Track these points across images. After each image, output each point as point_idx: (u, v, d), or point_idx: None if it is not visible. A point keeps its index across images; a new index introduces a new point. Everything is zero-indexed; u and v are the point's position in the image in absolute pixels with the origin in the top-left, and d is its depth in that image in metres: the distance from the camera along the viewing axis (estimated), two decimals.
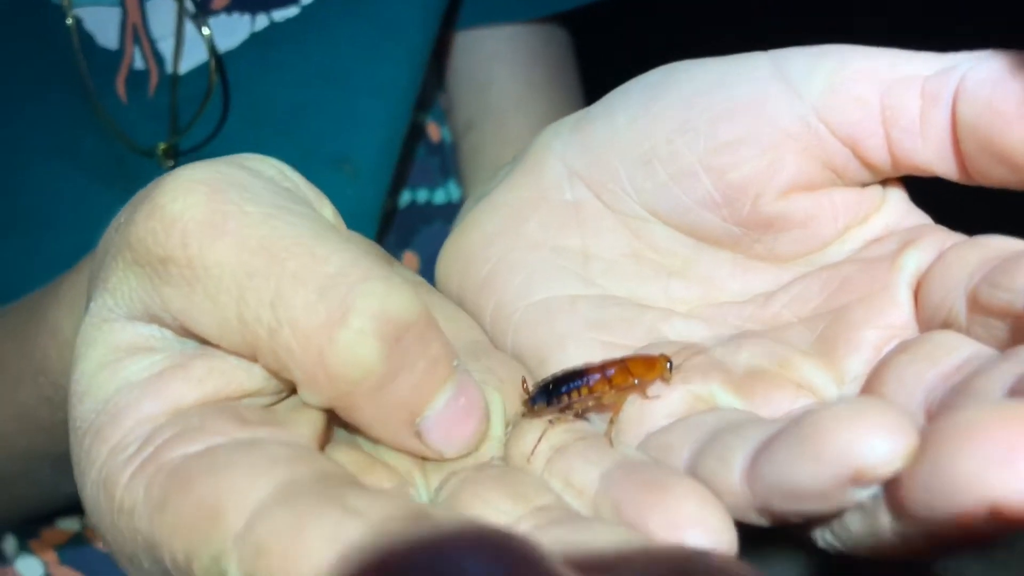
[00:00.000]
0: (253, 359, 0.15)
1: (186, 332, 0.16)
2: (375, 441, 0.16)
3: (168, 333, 0.16)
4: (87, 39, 0.33)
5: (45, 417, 0.26)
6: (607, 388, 0.17)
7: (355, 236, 0.19)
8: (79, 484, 0.16)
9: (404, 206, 0.41)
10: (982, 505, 0.11)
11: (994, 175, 0.17)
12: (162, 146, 0.33)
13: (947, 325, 0.16)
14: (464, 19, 0.41)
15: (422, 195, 0.42)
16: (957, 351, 0.15)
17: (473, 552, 0.10)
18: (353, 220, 0.19)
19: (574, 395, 0.17)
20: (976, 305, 0.15)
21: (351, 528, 0.12)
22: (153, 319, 0.16)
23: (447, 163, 0.42)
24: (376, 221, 0.37)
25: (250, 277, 0.15)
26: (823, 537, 0.14)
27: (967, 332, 0.15)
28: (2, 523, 0.33)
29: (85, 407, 0.16)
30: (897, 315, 0.17)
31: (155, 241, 0.15)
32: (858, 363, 0.17)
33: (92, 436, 0.15)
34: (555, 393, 0.17)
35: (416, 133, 0.41)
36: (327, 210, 0.18)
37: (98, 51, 0.34)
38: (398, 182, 0.40)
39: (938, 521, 0.12)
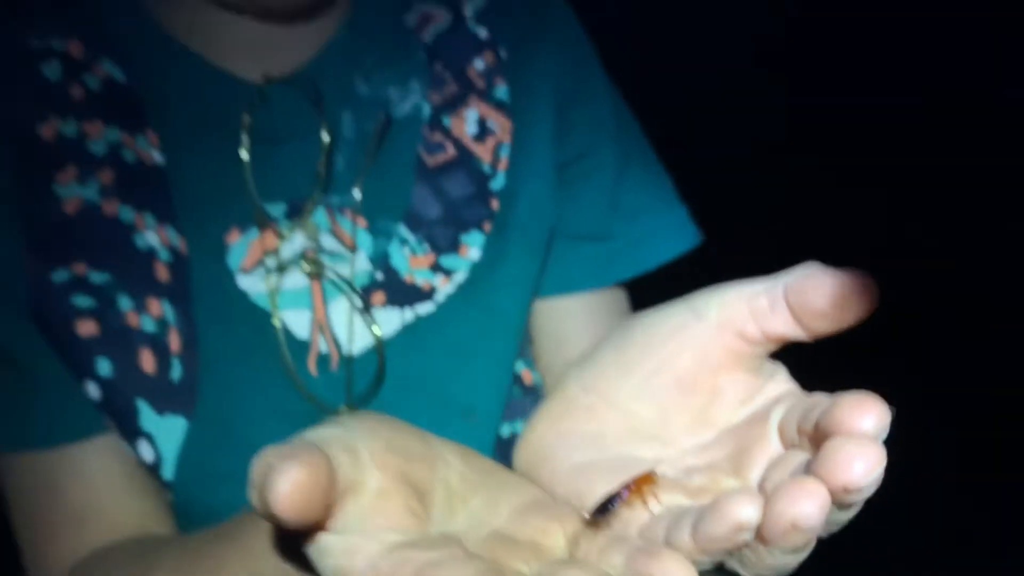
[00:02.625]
0: None
1: None
2: None
3: None
4: (287, 333, 0.47)
5: None
6: (630, 497, 0.28)
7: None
8: None
9: (507, 436, 0.53)
10: (785, 520, 0.23)
11: (819, 328, 0.28)
12: (344, 409, 0.46)
13: (791, 446, 0.27)
14: (544, 290, 0.54)
15: (518, 427, 0.54)
16: (794, 458, 0.26)
17: None
18: None
19: (616, 506, 0.28)
20: (800, 432, 0.26)
21: None
22: None
23: (538, 400, 0.55)
24: (491, 452, 0.49)
25: None
26: (737, 566, 0.25)
27: (799, 447, 0.27)
28: None
29: None
30: (770, 449, 0.28)
31: None
32: (755, 475, 0.27)
33: None
34: (604, 510, 0.28)
35: (514, 379, 0.54)
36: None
37: (295, 341, 0.47)
38: (503, 419, 0.52)
39: (773, 538, 0.23)
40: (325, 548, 0.25)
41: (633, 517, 0.28)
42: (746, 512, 0.24)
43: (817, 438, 0.25)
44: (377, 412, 0.30)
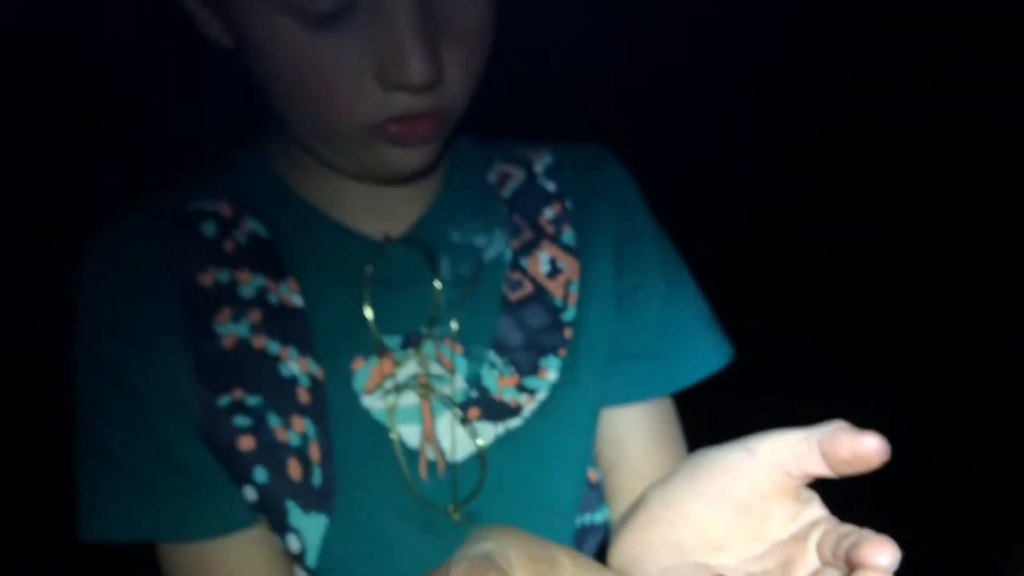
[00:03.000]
0: None
1: None
2: None
3: None
4: (402, 444, 0.58)
5: None
6: None
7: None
8: None
9: (578, 526, 0.63)
10: None
11: (843, 471, 0.36)
12: (451, 507, 0.57)
13: (827, 564, 0.36)
14: (606, 402, 0.65)
15: (587, 518, 0.64)
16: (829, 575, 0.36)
17: None
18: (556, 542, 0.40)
19: None
20: (833, 555, 0.36)
21: None
22: None
23: (601, 494, 0.65)
24: (571, 540, 0.59)
25: None
26: None
27: (835, 566, 0.36)
28: None
29: None
30: (810, 563, 0.37)
31: None
32: None
33: None
34: None
35: None
36: None
37: (408, 450, 0.58)
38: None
39: None
40: None
41: None
42: None
43: (847, 562, 0.35)
44: (507, 526, 0.39)
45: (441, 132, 0.55)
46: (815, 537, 0.38)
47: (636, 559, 0.41)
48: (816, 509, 0.39)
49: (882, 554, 0.33)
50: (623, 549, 0.42)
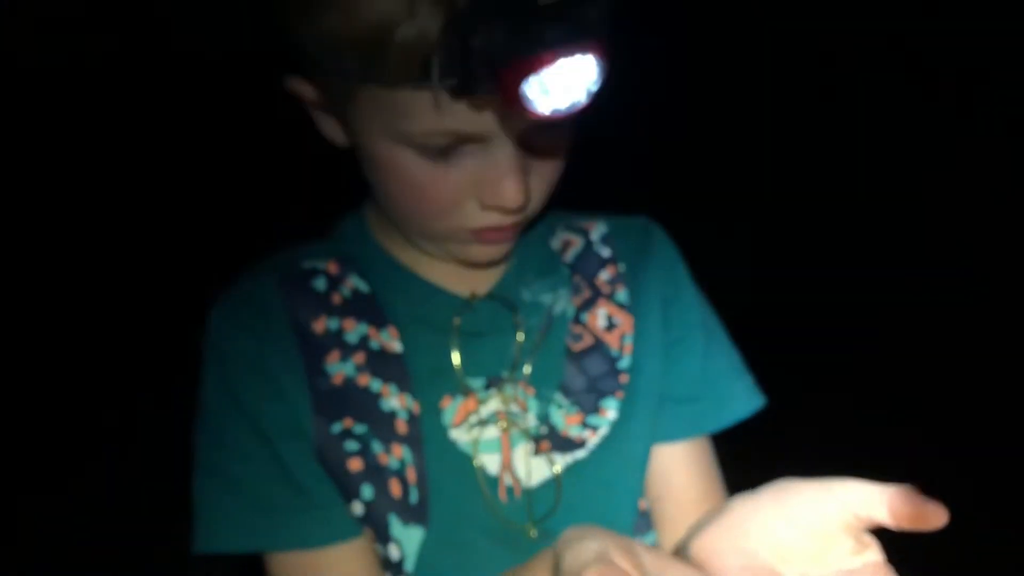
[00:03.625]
0: None
1: None
2: None
3: None
4: (483, 470, 0.67)
5: None
6: None
7: None
8: None
9: None
10: None
11: (904, 525, 0.43)
12: (528, 525, 0.66)
13: None
14: (655, 438, 0.74)
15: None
16: None
17: None
18: None
19: None
20: None
21: None
22: None
23: (648, 521, 0.74)
24: None
25: None
26: None
27: None
28: None
29: None
30: None
31: None
32: None
33: None
34: None
35: None
36: None
37: (488, 477, 0.67)
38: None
39: None
40: None
41: None
42: None
43: None
44: (589, 524, 0.49)
45: (519, 231, 0.66)
46: None
47: (717, 554, 0.47)
48: (875, 553, 0.46)
49: None
50: (703, 544, 0.48)
